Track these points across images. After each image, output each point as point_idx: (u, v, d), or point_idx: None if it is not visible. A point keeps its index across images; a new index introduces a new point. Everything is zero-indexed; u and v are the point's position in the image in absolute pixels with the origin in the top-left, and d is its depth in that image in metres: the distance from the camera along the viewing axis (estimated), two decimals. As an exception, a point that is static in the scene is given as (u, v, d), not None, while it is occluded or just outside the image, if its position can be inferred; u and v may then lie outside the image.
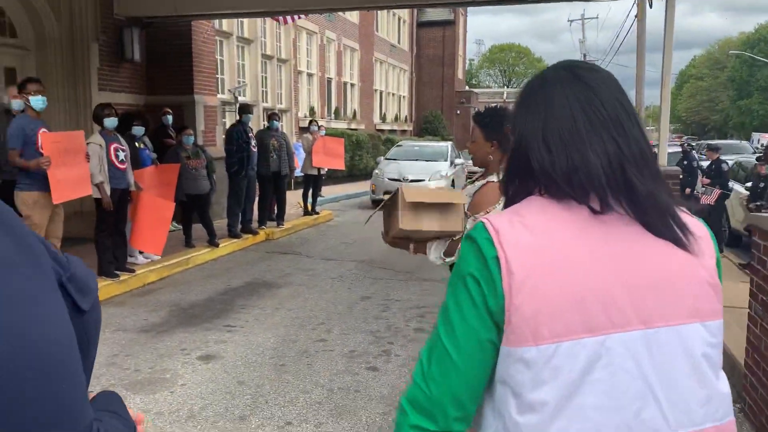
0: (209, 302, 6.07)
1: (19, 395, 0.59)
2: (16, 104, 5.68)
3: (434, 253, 2.85)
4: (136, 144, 7.07)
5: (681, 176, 8.62)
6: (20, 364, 0.59)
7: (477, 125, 2.85)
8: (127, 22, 9.60)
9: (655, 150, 9.46)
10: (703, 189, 10.22)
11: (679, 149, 13.07)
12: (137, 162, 6.93)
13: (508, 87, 74.26)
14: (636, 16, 17.00)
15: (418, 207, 2.77)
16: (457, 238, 2.79)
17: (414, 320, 5.55)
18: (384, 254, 8.45)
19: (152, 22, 9.92)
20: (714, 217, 9.44)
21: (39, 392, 0.61)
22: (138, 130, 7.15)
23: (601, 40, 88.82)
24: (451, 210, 2.77)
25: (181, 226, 8.36)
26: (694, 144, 19.74)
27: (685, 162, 11.40)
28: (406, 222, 2.78)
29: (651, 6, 9.10)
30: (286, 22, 14.12)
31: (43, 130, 5.47)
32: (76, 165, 5.70)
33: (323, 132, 12.15)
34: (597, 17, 52.41)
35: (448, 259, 2.83)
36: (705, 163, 11.93)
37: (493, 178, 2.84)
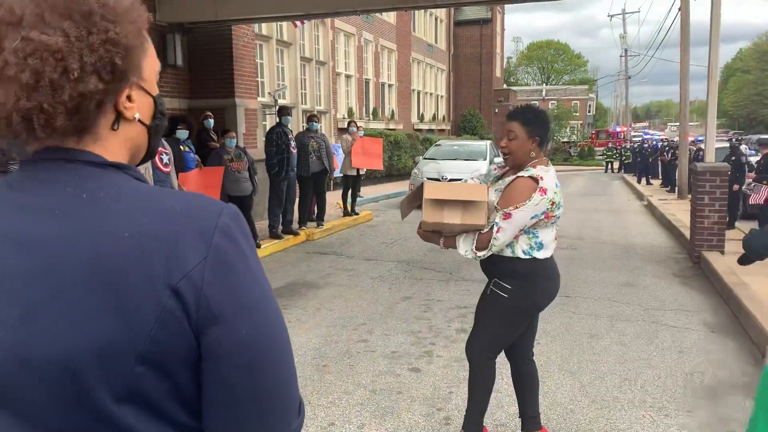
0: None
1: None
2: None
3: (463, 246, 2.89)
4: (181, 147, 7.22)
5: (729, 172, 8.35)
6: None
7: (519, 122, 2.86)
8: (170, 28, 9.81)
9: (702, 146, 9.23)
10: (752, 185, 9.90)
11: (727, 144, 12.71)
12: (182, 165, 7.07)
13: (546, 84, 73.30)
14: (679, 9, 16.60)
15: (441, 202, 2.82)
16: (485, 231, 2.81)
17: (456, 321, 5.52)
18: (424, 254, 8.43)
19: (194, 27, 10.12)
20: (764, 216, 9.12)
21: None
22: (182, 133, 7.30)
23: (642, 35, 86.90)
24: (473, 205, 2.79)
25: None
26: (742, 139, 19.17)
27: (733, 158, 11.06)
28: (428, 215, 2.85)
29: (696, -2, 8.84)
30: (303, 23, 14.18)
31: None
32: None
33: (362, 133, 12.20)
34: (638, 11, 51.32)
35: (480, 254, 2.86)
36: (754, 159, 11.55)
37: (524, 173, 2.85)
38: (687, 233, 8.84)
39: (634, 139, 41.32)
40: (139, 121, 0.87)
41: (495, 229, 2.77)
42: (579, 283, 6.96)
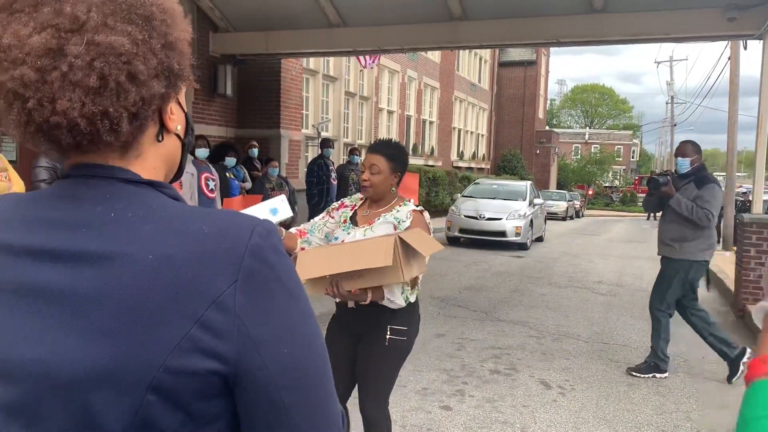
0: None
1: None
2: None
3: (396, 292, 2.64)
4: (227, 174, 7.41)
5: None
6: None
7: (384, 157, 2.76)
8: (222, 59, 10.14)
9: (750, 197, 9.03)
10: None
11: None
12: (227, 191, 7.26)
13: (590, 128, 72.85)
14: (729, 58, 16.44)
15: (345, 274, 2.49)
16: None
17: (489, 361, 5.45)
18: (459, 291, 8.38)
19: (245, 59, 10.45)
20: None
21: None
22: (230, 161, 7.51)
23: (690, 83, 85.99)
24: (376, 269, 2.41)
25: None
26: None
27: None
28: (316, 288, 2.59)
29: (746, 47, 8.77)
30: (363, 66, 14.47)
31: None
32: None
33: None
34: (686, 59, 50.83)
35: (413, 297, 2.73)
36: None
37: (410, 207, 2.78)
38: (731, 286, 8.60)
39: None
40: (176, 135, 0.87)
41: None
42: (617, 330, 6.81)
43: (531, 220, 14.54)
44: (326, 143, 9.61)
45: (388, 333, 2.74)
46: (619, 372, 5.29)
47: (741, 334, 6.79)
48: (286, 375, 0.77)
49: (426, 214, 2.81)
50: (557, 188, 34.35)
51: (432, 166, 21.60)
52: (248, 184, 8.18)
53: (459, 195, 15.72)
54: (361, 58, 13.96)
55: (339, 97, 15.60)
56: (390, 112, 19.64)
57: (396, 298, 2.64)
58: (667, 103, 48.40)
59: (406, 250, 2.42)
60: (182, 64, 0.81)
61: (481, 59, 29.44)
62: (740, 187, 22.41)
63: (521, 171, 30.13)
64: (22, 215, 0.79)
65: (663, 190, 4.97)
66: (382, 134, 19.02)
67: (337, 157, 13.85)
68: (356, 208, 2.91)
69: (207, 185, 6.62)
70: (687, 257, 4.94)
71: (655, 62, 53.44)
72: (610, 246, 16.57)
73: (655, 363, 5.15)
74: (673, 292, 5.11)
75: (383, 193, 2.80)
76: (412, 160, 20.27)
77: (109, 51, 0.73)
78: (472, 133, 28.73)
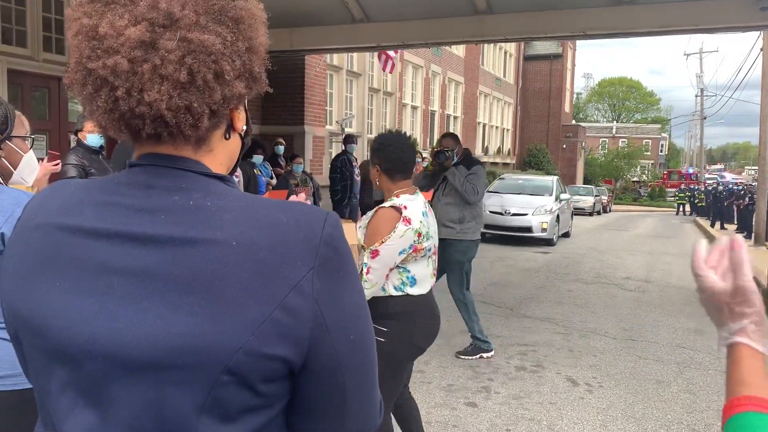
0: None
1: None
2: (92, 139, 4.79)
3: None
4: (255, 171, 7.48)
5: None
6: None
7: (372, 152, 2.77)
8: (246, 57, 10.21)
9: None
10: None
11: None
12: (255, 188, 7.35)
13: (617, 122, 71.83)
14: (761, 49, 16.05)
15: None
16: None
17: (515, 358, 5.40)
18: (484, 288, 8.31)
19: (269, 55, 10.49)
20: None
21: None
22: (257, 158, 7.58)
23: (720, 75, 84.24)
24: None
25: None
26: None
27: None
28: None
29: (780, 38, 8.54)
30: (385, 69, 14.40)
31: None
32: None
33: (425, 164, 12.24)
34: (717, 51, 49.75)
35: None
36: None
37: (386, 204, 2.63)
38: (764, 281, 8.41)
39: (708, 181, 39.86)
40: (239, 134, 0.90)
41: (365, 270, 2.50)
42: (646, 326, 6.70)
43: (557, 216, 14.38)
44: (350, 139, 9.61)
45: None
46: (648, 369, 5.20)
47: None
48: (351, 358, 0.82)
49: (408, 211, 2.57)
50: (584, 183, 33.95)
51: (456, 161, 21.49)
52: (273, 181, 8.23)
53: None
54: (381, 61, 13.92)
55: (363, 93, 15.59)
56: (414, 108, 19.58)
57: None
58: (696, 95, 47.55)
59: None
60: (261, 68, 0.85)
61: (506, 53, 29.18)
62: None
63: (547, 166, 29.83)
64: (93, 200, 0.81)
65: (445, 164, 5.22)
66: (406, 130, 18.97)
67: (361, 153, 13.84)
68: None
69: (232, 182, 6.69)
70: (467, 237, 5.23)
71: (685, 54, 52.35)
72: (638, 241, 16.32)
73: (478, 345, 5.35)
74: (467, 271, 5.38)
75: (380, 187, 2.77)
76: (437, 156, 20.20)
77: (200, 49, 0.76)
78: (497, 127, 28.51)
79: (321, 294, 0.77)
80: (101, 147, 4.62)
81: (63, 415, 0.79)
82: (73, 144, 5.53)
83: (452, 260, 5.23)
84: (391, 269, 2.56)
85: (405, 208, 2.57)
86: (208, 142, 0.84)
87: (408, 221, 2.55)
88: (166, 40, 0.74)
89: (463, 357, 5.31)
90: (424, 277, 2.66)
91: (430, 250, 2.66)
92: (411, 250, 2.56)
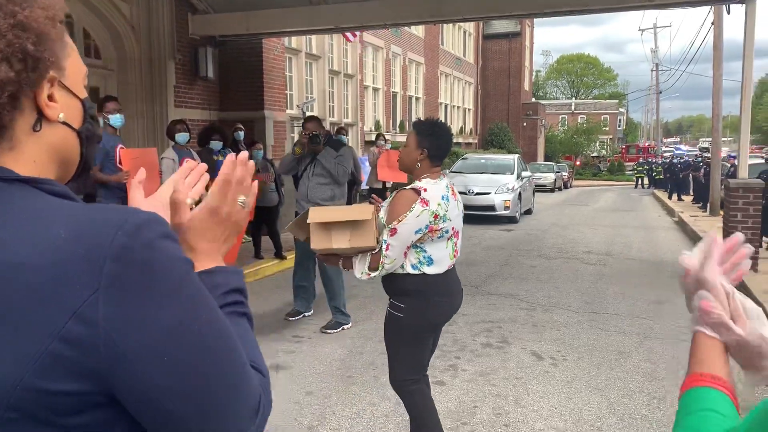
0: (277, 313, 6.19)
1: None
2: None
3: (358, 267, 2.82)
4: (214, 157, 7.34)
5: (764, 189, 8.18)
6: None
7: (415, 132, 2.87)
8: (201, 42, 9.99)
9: (735, 161, 9.09)
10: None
11: (761, 160, 12.47)
12: (214, 175, 7.19)
13: (575, 98, 72.75)
14: (712, 23, 16.39)
15: (328, 226, 2.76)
16: (376, 251, 2.75)
17: (481, 335, 5.48)
18: (449, 268, 8.41)
19: (225, 40, 10.30)
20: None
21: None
22: (215, 144, 7.42)
23: (674, 50, 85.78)
24: (361, 226, 2.71)
25: (251, 238, 8.59)
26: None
27: (769, 174, 10.83)
28: (316, 242, 2.80)
29: (729, 12, 8.74)
30: (350, 40, 14.33)
31: (121, 146, 5.76)
32: (151, 180, 5.96)
33: (389, 146, 12.24)
34: (670, 25, 50.69)
35: (373, 274, 2.80)
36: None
37: (408, 186, 2.82)
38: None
39: (665, 154, 40.76)
40: (65, 123, 0.78)
41: (384, 246, 2.70)
42: (607, 299, 6.86)
43: (519, 194, 14.57)
44: (339, 131, 9.55)
45: (388, 306, 2.89)
46: (610, 341, 5.34)
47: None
48: (177, 384, 0.71)
49: (427, 193, 2.73)
50: (545, 160, 34.39)
51: (419, 142, 21.52)
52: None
53: (447, 171, 15.71)
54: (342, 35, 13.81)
55: (323, 76, 15.45)
56: (375, 90, 19.50)
57: (356, 270, 2.81)
58: (651, 70, 48.45)
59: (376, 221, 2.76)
60: (41, 45, 0.72)
61: (465, 32, 29.22)
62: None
63: (509, 144, 30.12)
64: None
65: (317, 148, 5.55)
66: (368, 113, 18.90)
67: (324, 136, 13.75)
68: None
69: (191, 170, 6.55)
70: None
71: (639, 30, 53.22)
72: (598, 216, 16.65)
73: (340, 320, 5.66)
74: None
75: (409, 167, 2.90)
76: (400, 138, 20.20)
77: None
78: (458, 107, 28.63)
79: (111, 320, 0.66)
80: None
81: None
82: None
83: None
84: (408, 247, 2.75)
85: (425, 190, 2.74)
86: (10, 135, 0.73)
87: (425, 203, 2.71)
88: None
89: (328, 331, 5.55)
90: (441, 258, 2.81)
91: (447, 231, 2.80)
92: (427, 231, 2.72)
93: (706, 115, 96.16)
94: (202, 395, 0.73)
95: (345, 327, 5.65)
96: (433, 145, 2.83)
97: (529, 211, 16.32)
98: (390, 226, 2.69)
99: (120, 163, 5.67)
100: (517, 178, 14.84)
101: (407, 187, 2.78)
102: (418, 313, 2.80)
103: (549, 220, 15.36)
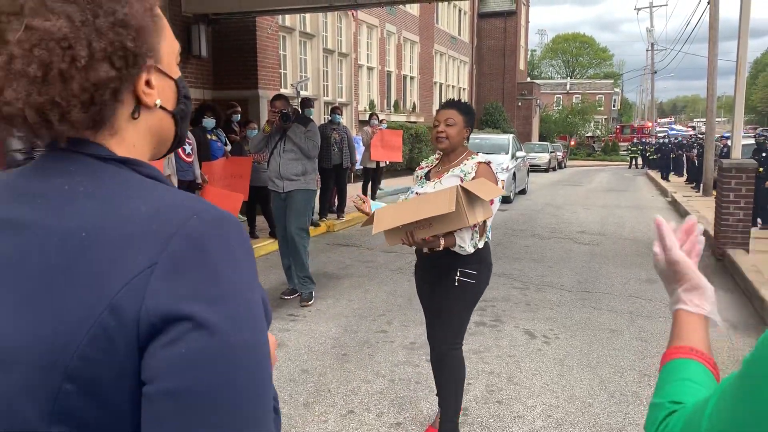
0: (273, 291, 6.22)
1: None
2: None
3: (468, 242, 2.88)
4: (208, 136, 7.31)
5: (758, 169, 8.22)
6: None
7: (458, 111, 3.03)
8: (194, 19, 9.90)
9: (729, 142, 9.13)
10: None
11: (752, 141, 12.50)
12: (207, 154, 7.16)
13: (570, 78, 72.50)
14: (708, 3, 16.32)
15: (404, 226, 2.77)
16: (478, 225, 2.88)
17: (475, 314, 5.49)
18: (444, 247, 8.44)
19: (218, 18, 10.20)
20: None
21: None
22: (208, 122, 7.39)
23: (670, 29, 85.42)
24: (446, 215, 2.68)
25: (245, 218, 8.59)
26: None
27: (764, 154, 10.86)
28: (393, 239, 2.87)
29: (725, -9, 8.69)
30: (356, 18, 14.19)
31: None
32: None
33: (384, 125, 12.20)
34: (666, 5, 50.39)
35: (480, 245, 2.97)
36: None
37: (479, 159, 3.02)
38: (711, 230, 8.74)
39: (659, 134, 40.79)
40: (161, 107, 0.81)
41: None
42: (600, 278, 6.92)
43: (514, 173, 14.58)
44: (306, 103, 9.45)
45: (458, 275, 2.98)
46: (602, 319, 5.40)
47: (721, 277, 6.94)
48: (191, 370, 0.66)
49: (493, 165, 3.03)
50: (539, 140, 34.37)
51: (414, 122, 21.45)
52: (228, 147, 8.08)
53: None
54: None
55: (317, 55, 15.33)
56: (370, 69, 19.38)
57: (465, 244, 2.87)
58: (647, 50, 48.20)
59: (468, 197, 2.66)
60: (139, 41, 0.74)
61: (460, 11, 28.99)
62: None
63: (503, 124, 30.05)
64: (8, 187, 0.76)
65: (287, 125, 5.65)
66: (363, 92, 18.80)
67: (318, 116, 13.70)
68: (431, 167, 3.18)
69: (184, 150, 6.55)
70: (311, 187, 5.86)
71: (635, 9, 52.87)
72: (592, 196, 16.71)
73: (311, 288, 5.91)
74: (308, 217, 6.15)
75: (457, 144, 3.03)
76: (394, 117, 20.13)
77: (47, 36, 0.67)
78: (453, 87, 28.50)
79: (156, 295, 0.65)
80: None
81: None
82: None
83: (299, 207, 5.77)
84: None
85: (490, 162, 3.04)
86: (111, 123, 0.76)
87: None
88: (13, 32, 0.67)
89: (305, 304, 5.77)
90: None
91: None
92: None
93: (701, 95, 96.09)
94: (229, 389, 0.67)
95: (309, 293, 5.88)
96: (472, 124, 3.09)
97: (523, 191, 16.36)
98: (489, 198, 2.83)
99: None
100: (512, 158, 14.84)
101: (483, 161, 3.00)
102: (486, 277, 3.07)
103: (543, 200, 15.41)
